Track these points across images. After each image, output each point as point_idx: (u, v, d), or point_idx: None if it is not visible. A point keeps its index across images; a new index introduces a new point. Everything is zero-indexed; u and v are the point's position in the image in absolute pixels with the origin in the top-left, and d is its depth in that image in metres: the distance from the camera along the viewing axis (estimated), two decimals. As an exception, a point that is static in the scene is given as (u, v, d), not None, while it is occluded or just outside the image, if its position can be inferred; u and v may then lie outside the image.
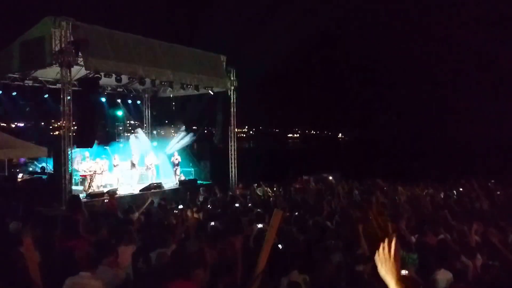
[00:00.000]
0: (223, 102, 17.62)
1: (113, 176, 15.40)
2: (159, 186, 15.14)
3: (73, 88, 12.79)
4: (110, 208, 10.73)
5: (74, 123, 12.65)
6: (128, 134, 19.39)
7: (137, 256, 5.11)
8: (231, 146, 18.16)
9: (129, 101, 18.69)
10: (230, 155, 18.15)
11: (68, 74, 12.03)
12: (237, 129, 19.49)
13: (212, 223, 7.28)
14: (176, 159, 17.40)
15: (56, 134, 21.41)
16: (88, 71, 12.35)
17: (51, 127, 28.08)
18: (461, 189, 12.82)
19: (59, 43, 11.76)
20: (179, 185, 16.30)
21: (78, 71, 12.77)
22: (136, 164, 16.18)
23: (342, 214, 8.51)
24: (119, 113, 19.24)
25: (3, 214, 8.77)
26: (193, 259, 4.43)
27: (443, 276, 4.54)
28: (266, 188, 14.31)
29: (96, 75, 12.39)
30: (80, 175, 14.30)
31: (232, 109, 17.82)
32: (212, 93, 16.74)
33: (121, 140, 19.34)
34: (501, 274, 4.24)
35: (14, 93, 14.65)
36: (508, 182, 13.36)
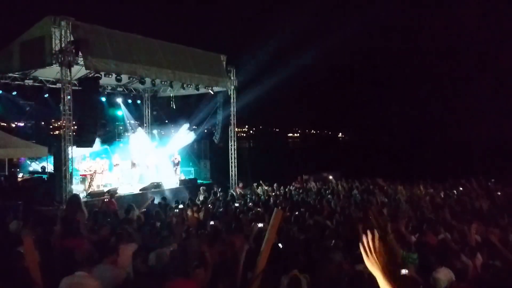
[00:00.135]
0: (223, 101, 17.64)
1: (113, 175, 15.43)
2: (159, 185, 15.13)
3: (73, 88, 12.81)
4: (110, 208, 10.76)
5: (74, 122, 12.65)
6: (128, 134, 19.39)
7: (138, 255, 5.11)
8: (231, 145, 18.17)
9: (129, 101, 18.67)
10: (230, 155, 18.16)
11: (68, 73, 12.03)
12: (237, 129, 19.48)
13: (212, 223, 7.28)
14: (176, 158, 17.42)
15: (56, 134, 21.44)
16: (88, 71, 12.37)
17: (51, 126, 28.10)
18: (461, 189, 12.81)
19: (59, 42, 11.76)
20: (179, 184, 16.30)
21: (78, 70, 12.76)
22: (136, 164, 16.20)
23: (342, 213, 8.53)
24: (119, 112, 19.23)
25: (3, 214, 8.77)
26: (194, 258, 4.44)
27: (444, 274, 4.54)
28: (266, 188, 14.32)
29: (96, 75, 12.41)
30: (80, 175, 14.31)
31: (232, 109, 17.85)
32: (212, 93, 16.75)
33: (121, 139, 19.36)
34: (501, 274, 4.23)
35: (14, 93, 14.63)
36: (508, 182, 13.34)
